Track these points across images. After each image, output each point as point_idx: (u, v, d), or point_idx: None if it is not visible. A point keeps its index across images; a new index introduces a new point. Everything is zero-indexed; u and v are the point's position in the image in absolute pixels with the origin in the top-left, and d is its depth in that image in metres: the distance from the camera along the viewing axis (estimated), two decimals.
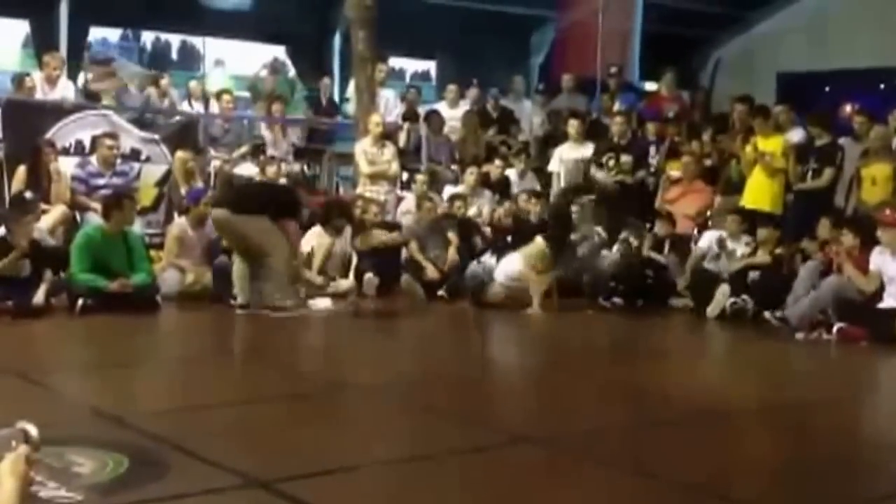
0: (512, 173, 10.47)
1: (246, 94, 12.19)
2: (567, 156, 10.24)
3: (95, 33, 13.07)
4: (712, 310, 8.11)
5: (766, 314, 7.86)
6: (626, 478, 3.67)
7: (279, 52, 14.04)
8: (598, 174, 9.79)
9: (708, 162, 9.76)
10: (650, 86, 12.09)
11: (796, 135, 9.20)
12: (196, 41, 13.20)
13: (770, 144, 8.98)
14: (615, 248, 8.81)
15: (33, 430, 2.01)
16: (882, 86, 11.51)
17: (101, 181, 8.88)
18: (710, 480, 3.67)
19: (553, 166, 10.33)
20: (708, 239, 8.67)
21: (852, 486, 3.70)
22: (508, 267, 8.20)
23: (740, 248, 8.43)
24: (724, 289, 8.13)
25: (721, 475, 3.76)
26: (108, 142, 8.99)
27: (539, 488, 3.53)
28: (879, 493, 3.66)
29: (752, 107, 9.61)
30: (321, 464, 3.60)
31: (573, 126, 10.29)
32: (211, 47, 13.79)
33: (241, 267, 7.59)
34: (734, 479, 3.75)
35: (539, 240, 8.21)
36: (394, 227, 9.34)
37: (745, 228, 8.51)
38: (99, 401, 4.63)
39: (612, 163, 9.81)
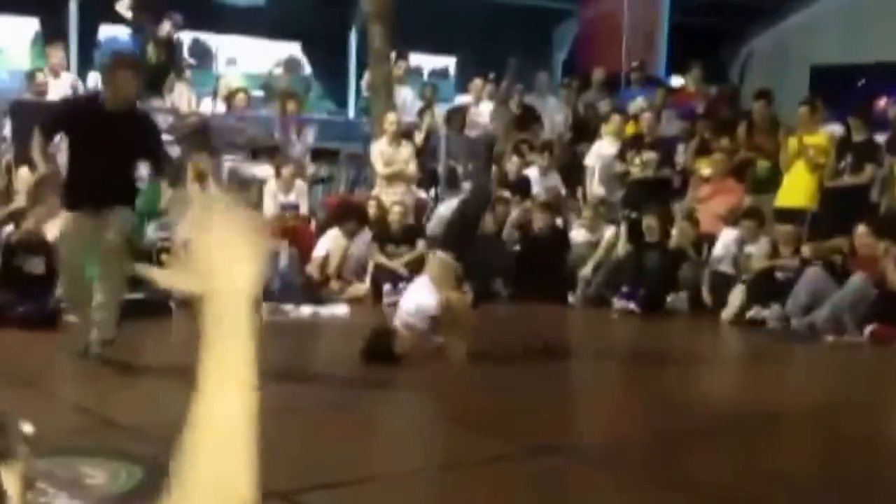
0: (533, 172, 10.50)
1: (260, 93, 12.28)
2: (605, 151, 10.31)
3: (105, 31, 13.20)
4: (727, 313, 8.14)
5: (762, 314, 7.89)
6: (656, 489, 3.69)
7: (294, 49, 14.12)
8: (621, 169, 9.92)
9: (739, 159, 9.75)
10: (677, 80, 12.07)
11: (837, 129, 9.19)
12: (208, 38, 13.29)
13: (815, 139, 8.99)
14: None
15: (28, 428, 2.03)
16: None
17: None
18: (743, 490, 3.69)
19: (590, 161, 10.39)
20: (724, 241, 8.68)
21: (889, 497, 3.72)
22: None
23: (759, 250, 8.44)
24: (737, 291, 8.14)
25: (754, 485, 3.78)
26: None
27: (563, 500, 3.56)
28: None
29: (769, 102, 9.65)
30: (341, 474, 3.64)
31: (615, 122, 10.38)
32: (224, 45, 13.88)
33: None
34: (768, 489, 3.76)
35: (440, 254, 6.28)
36: (417, 232, 9.33)
37: (762, 230, 8.52)
38: (109, 410, 4.68)
39: (637, 160, 9.88)
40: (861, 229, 7.92)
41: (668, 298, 8.60)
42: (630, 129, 10.54)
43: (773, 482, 3.87)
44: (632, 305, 8.45)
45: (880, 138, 9.24)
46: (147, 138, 5.76)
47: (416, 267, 8.85)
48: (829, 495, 3.71)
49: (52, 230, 7.91)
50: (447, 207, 9.00)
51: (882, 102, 10.03)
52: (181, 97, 10.92)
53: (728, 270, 8.51)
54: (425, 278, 6.09)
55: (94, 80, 11.05)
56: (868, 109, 9.71)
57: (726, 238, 8.70)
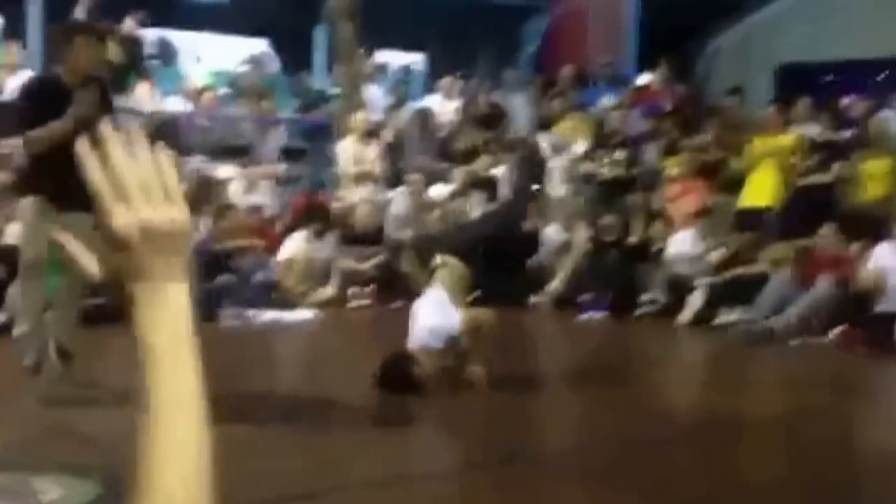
0: (500, 171, 10.48)
1: (227, 90, 12.18)
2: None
3: None
4: (684, 315, 8.19)
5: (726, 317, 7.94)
6: (622, 495, 3.71)
7: (261, 45, 14.03)
8: (590, 169, 9.93)
9: (707, 158, 9.80)
10: (644, 78, 12.11)
11: (810, 129, 9.25)
12: (173, 35, 13.15)
13: (782, 140, 9.05)
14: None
15: None
16: (884, 76, 11.53)
17: None
18: (711, 496, 3.72)
19: (550, 162, 10.40)
20: (679, 242, 8.74)
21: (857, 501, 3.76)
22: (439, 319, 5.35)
23: (718, 255, 8.51)
24: (697, 295, 8.19)
25: (721, 491, 3.80)
26: None
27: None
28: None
29: (741, 100, 9.72)
30: (301, 487, 3.63)
31: (571, 120, 10.39)
32: (189, 42, 13.76)
33: None
34: (734, 495, 3.79)
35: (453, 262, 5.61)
36: (377, 238, 9.31)
37: (710, 232, 8.59)
38: (68, 422, 4.63)
39: (606, 158, 9.93)
40: (825, 229, 7.97)
41: (641, 299, 8.65)
42: (588, 128, 10.52)
43: (739, 488, 3.89)
44: (597, 313, 8.49)
45: (846, 136, 9.33)
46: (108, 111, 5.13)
47: (383, 270, 8.86)
48: (795, 501, 3.74)
49: (13, 233, 7.84)
50: (398, 207, 9.02)
51: (847, 100, 10.11)
52: (144, 96, 10.82)
53: (685, 272, 8.56)
54: (438, 292, 5.36)
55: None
56: (834, 107, 9.80)
57: (680, 239, 8.74)
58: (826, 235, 7.93)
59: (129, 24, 10.75)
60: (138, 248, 0.94)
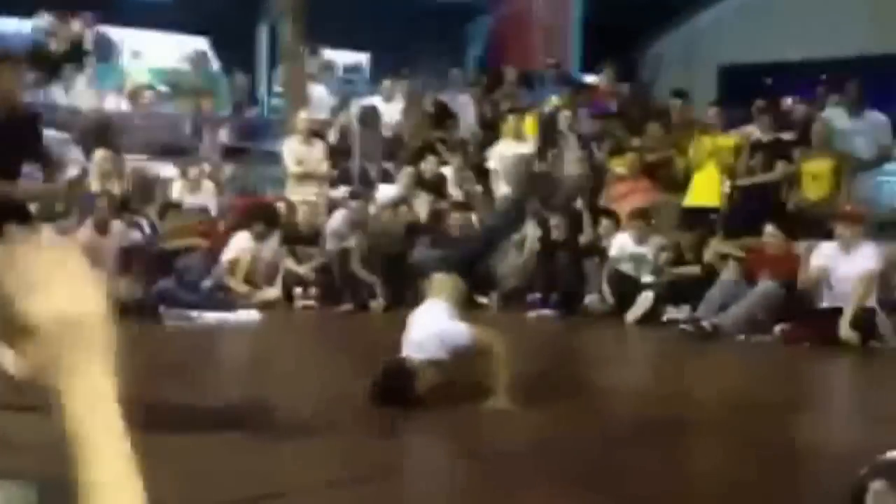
0: (448, 171, 10.47)
1: (166, 88, 12.00)
2: (506, 152, 10.31)
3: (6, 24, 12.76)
4: (632, 314, 8.25)
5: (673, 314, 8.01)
6: (574, 492, 3.70)
7: (202, 43, 13.85)
8: (540, 169, 9.95)
9: (655, 157, 9.89)
10: (590, 79, 12.19)
11: (753, 129, 9.39)
12: (112, 32, 12.92)
13: (727, 140, 9.17)
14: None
15: None
16: (825, 77, 11.75)
17: None
18: (660, 493, 3.72)
19: (492, 164, 10.38)
20: (620, 241, 8.81)
21: (800, 498, 3.79)
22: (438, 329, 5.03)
23: (649, 252, 8.59)
24: (647, 295, 8.26)
25: (670, 488, 3.81)
26: None
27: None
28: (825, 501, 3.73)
29: (686, 101, 9.84)
30: (248, 490, 3.58)
31: (512, 121, 10.38)
32: (129, 39, 13.53)
33: None
34: (683, 492, 3.79)
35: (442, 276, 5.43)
36: (315, 237, 9.23)
37: (649, 232, 8.68)
38: (4, 430, 4.51)
39: (558, 157, 9.97)
40: (769, 228, 8.08)
41: (587, 300, 8.68)
42: (531, 128, 10.55)
43: (687, 485, 3.90)
44: (546, 312, 8.50)
45: (787, 137, 9.47)
46: (35, 143, 5.00)
47: (327, 275, 8.75)
48: (742, 497, 3.76)
49: None
50: (336, 222, 8.95)
51: (789, 101, 10.27)
52: (83, 93, 10.63)
53: (628, 270, 8.61)
54: (441, 303, 5.09)
55: None
56: (774, 109, 9.95)
57: (622, 239, 8.80)
58: (770, 234, 8.04)
59: (76, 26, 10.54)
60: (55, 340, 0.92)
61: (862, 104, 9.33)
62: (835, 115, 9.44)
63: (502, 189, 10.22)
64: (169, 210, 8.85)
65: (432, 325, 4.93)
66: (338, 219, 9.23)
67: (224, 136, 10.93)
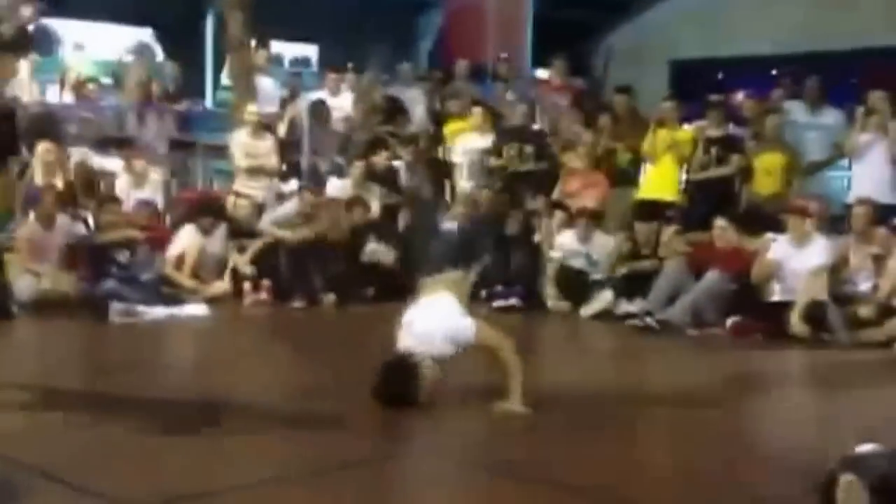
0: (400, 165, 10.42)
1: (109, 80, 11.80)
2: (471, 146, 10.29)
3: None
4: (587, 310, 8.29)
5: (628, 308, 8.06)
6: (513, 483, 3.70)
7: (145, 34, 13.64)
8: (497, 164, 9.94)
9: (601, 149, 9.92)
10: (542, 73, 12.22)
11: (705, 125, 9.47)
12: (54, 24, 12.69)
13: (683, 133, 9.24)
14: None
15: None
16: (774, 73, 11.91)
17: None
18: (606, 485, 3.73)
19: (457, 158, 10.36)
20: (566, 237, 8.84)
21: (748, 488, 3.82)
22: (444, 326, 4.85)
23: (595, 251, 8.65)
24: (605, 294, 8.31)
25: (617, 480, 3.82)
26: None
27: (424, 498, 3.53)
28: (772, 493, 3.77)
29: (631, 97, 9.91)
30: (197, 485, 3.52)
31: (477, 115, 10.36)
32: (70, 30, 13.29)
33: None
34: (630, 483, 3.81)
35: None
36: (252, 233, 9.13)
37: (594, 230, 8.74)
38: None
39: (513, 152, 9.96)
40: (720, 222, 8.16)
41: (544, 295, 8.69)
42: (488, 122, 10.54)
43: (634, 477, 3.92)
44: (512, 301, 8.50)
45: (738, 132, 9.58)
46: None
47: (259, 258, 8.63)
48: (688, 490, 3.78)
49: None
50: (285, 210, 8.90)
51: (739, 97, 10.39)
52: (23, 85, 10.40)
53: (577, 266, 8.64)
54: (446, 298, 4.88)
55: None
56: (724, 104, 10.07)
57: (565, 237, 8.83)
58: (721, 227, 8.12)
59: (27, 13, 10.30)
60: None
61: (822, 101, 9.49)
62: (793, 111, 9.59)
63: (465, 183, 10.19)
64: (105, 203, 8.69)
65: (441, 318, 4.79)
66: (288, 209, 9.14)
67: (170, 127, 10.74)
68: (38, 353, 6.80)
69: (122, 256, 7.93)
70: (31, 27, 10.63)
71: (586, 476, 3.84)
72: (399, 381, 4.63)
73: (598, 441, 4.43)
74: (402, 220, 9.63)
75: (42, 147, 9.12)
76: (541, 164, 10.02)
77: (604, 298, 8.30)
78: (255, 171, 9.90)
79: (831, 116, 9.56)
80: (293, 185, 10.07)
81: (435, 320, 4.78)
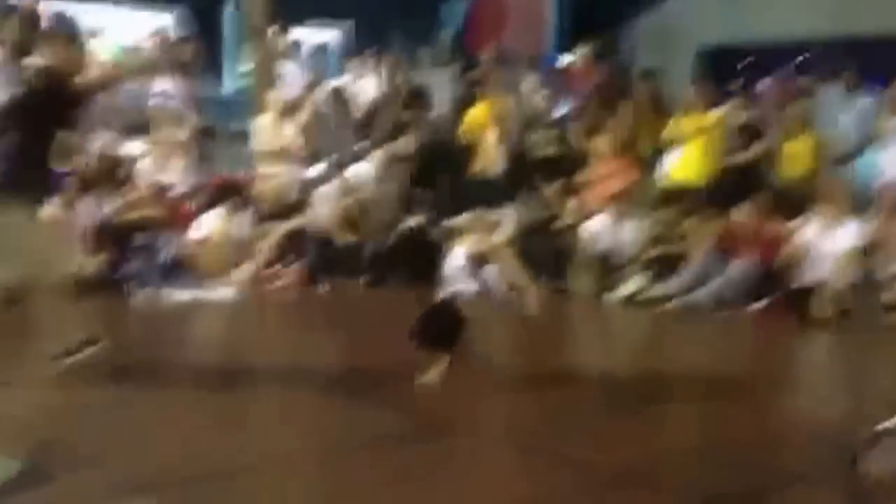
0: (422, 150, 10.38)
1: (129, 65, 11.81)
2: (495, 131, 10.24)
3: None
4: (616, 294, 8.27)
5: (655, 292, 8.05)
6: (549, 465, 3.68)
7: (166, 19, 13.67)
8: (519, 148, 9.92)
9: (623, 137, 9.88)
10: (567, 59, 12.17)
11: (728, 110, 9.44)
12: (75, 9, 12.71)
13: (708, 118, 9.22)
14: None
15: None
16: (802, 58, 11.83)
17: None
18: (632, 466, 3.71)
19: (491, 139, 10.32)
20: (597, 224, 8.80)
21: (776, 466, 3.80)
22: None
23: (625, 234, 8.61)
24: (635, 278, 8.27)
25: (643, 461, 3.82)
26: None
27: (460, 477, 3.52)
28: (801, 474, 3.75)
29: (654, 82, 9.88)
30: (222, 464, 3.53)
31: (500, 100, 10.33)
32: (89, 15, 13.33)
33: None
34: (655, 464, 3.80)
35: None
36: (297, 207, 9.17)
37: (626, 214, 8.70)
38: None
39: (534, 137, 9.94)
40: (747, 207, 8.15)
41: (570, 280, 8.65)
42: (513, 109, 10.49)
43: (661, 458, 3.92)
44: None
45: (764, 117, 9.54)
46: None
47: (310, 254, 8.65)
48: (717, 469, 3.76)
49: None
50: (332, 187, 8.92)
51: (767, 83, 10.32)
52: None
53: (606, 251, 8.62)
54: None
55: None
56: (750, 89, 10.03)
57: (597, 221, 8.80)
58: (748, 212, 8.12)
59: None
60: None
61: (857, 85, 9.42)
62: (827, 95, 9.54)
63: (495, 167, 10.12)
64: (124, 184, 8.73)
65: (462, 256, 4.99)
66: (329, 186, 9.17)
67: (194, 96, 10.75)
68: (64, 335, 6.81)
69: (146, 239, 7.96)
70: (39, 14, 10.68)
71: (617, 456, 3.84)
72: (439, 325, 4.70)
73: (627, 422, 4.43)
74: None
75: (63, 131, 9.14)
76: (562, 149, 9.98)
77: (633, 283, 8.28)
78: (277, 157, 9.91)
79: (866, 101, 9.49)
80: (316, 170, 10.07)
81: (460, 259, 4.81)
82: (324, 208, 9.12)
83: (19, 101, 5.20)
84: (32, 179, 5.23)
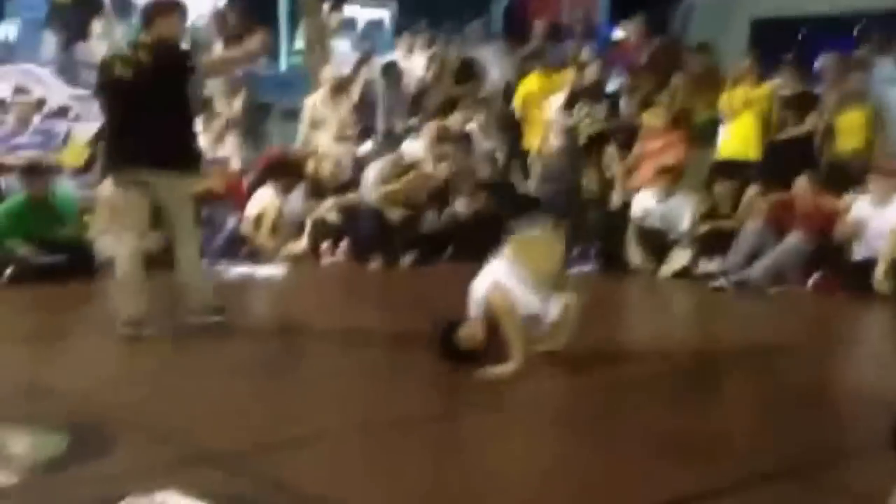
0: (474, 127, 10.36)
1: (186, 45, 11.91)
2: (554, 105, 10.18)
3: None
4: (667, 269, 8.20)
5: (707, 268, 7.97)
6: (603, 440, 3.68)
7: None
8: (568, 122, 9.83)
9: (676, 110, 9.75)
10: (619, 32, 12.03)
11: (780, 82, 9.28)
12: None
13: (761, 90, 9.07)
14: None
15: None
16: (856, 31, 11.56)
17: (20, 140, 8.76)
18: (691, 438, 3.70)
19: (552, 114, 10.23)
20: (645, 197, 8.72)
21: (833, 440, 3.77)
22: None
23: (676, 209, 8.50)
24: (684, 253, 8.20)
25: (701, 433, 3.80)
26: (21, 98, 8.90)
27: (502, 452, 3.54)
28: (861, 444, 3.71)
29: (709, 55, 9.72)
30: (278, 435, 3.57)
31: (557, 74, 10.24)
32: None
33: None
34: (714, 436, 3.78)
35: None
36: (349, 184, 9.23)
37: (674, 189, 8.56)
38: (34, 377, 4.54)
39: (583, 112, 9.84)
40: (801, 181, 8.01)
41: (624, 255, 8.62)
42: (563, 82, 10.40)
43: (716, 430, 3.89)
44: (587, 268, 8.45)
45: (817, 90, 9.36)
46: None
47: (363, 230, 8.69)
48: (769, 442, 3.73)
49: None
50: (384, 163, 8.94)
51: (821, 54, 10.10)
52: (96, 48, 10.60)
53: (656, 225, 8.55)
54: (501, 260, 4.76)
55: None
56: (804, 61, 9.83)
57: (644, 196, 8.72)
58: (802, 187, 7.98)
59: None
60: None
61: None
62: (881, 67, 9.33)
63: (553, 142, 10.05)
64: None
65: (482, 281, 4.69)
66: (372, 171, 9.20)
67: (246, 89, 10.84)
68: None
69: (206, 213, 8.05)
70: None
71: (670, 428, 3.81)
72: (446, 340, 4.63)
73: (680, 394, 4.40)
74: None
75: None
76: (612, 123, 9.88)
77: (682, 257, 8.20)
78: (329, 133, 9.96)
79: None
80: (368, 146, 10.11)
81: (479, 282, 4.71)
82: (375, 185, 9.13)
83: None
84: (193, 152, 5.62)
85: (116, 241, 5.87)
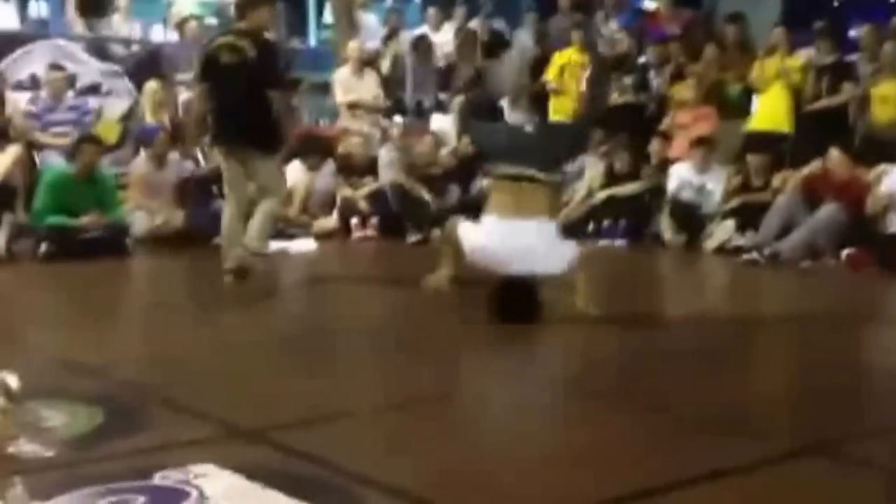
0: (503, 100, 10.33)
1: (214, 20, 11.95)
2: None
3: None
4: (711, 243, 8.16)
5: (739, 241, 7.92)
6: (635, 413, 3.67)
7: None
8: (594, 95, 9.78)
9: (708, 82, 9.66)
10: (650, 4, 11.90)
11: (813, 53, 9.15)
12: None
13: (793, 61, 8.96)
14: None
15: (13, 382, 1.92)
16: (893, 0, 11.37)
17: (54, 116, 8.82)
18: (720, 411, 3.68)
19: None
20: (679, 171, 8.64)
21: (863, 415, 3.74)
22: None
23: (711, 181, 8.43)
24: (726, 225, 8.14)
25: (731, 405, 3.77)
26: (55, 73, 8.93)
27: (543, 428, 3.53)
28: (891, 420, 3.67)
29: (742, 25, 9.60)
30: (313, 411, 3.58)
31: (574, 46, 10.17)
32: None
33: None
34: (743, 408, 3.76)
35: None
36: (372, 168, 9.20)
37: (711, 161, 8.54)
38: (69, 352, 4.57)
39: (614, 84, 9.80)
40: (835, 153, 7.91)
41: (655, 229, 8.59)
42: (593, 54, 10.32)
43: (749, 404, 3.86)
44: (618, 242, 8.42)
45: (851, 60, 9.23)
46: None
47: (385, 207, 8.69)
48: (802, 417, 3.70)
49: None
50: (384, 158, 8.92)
51: (854, 24, 9.97)
52: (121, 23, 10.65)
53: (690, 199, 8.48)
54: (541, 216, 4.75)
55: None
56: (837, 30, 9.68)
57: (681, 168, 8.65)
58: (835, 158, 7.87)
59: None
60: None
61: None
62: None
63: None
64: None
65: (543, 240, 4.76)
66: (384, 154, 9.19)
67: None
68: (154, 285, 7.02)
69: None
70: None
71: (704, 402, 3.79)
72: (520, 300, 4.70)
73: (711, 369, 4.38)
74: None
75: (150, 85, 9.33)
76: (642, 96, 9.82)
77: (725, 230, 8.13)
78: (358, 108, 9.95)
79: None
80: (397, 120, 10.09)
81: (535, 240, 4.74)
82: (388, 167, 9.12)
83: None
84: (276, 134, 6.29)
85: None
